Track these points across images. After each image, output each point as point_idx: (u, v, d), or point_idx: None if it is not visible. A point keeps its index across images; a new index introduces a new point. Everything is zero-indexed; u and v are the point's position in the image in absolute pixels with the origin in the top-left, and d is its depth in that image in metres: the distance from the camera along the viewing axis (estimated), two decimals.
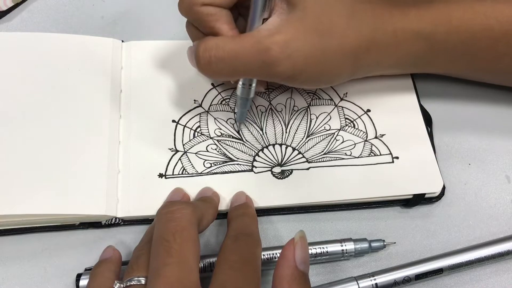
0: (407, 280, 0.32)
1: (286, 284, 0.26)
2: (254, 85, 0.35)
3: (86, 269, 0.32)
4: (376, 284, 0.31)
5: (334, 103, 0.40)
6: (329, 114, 0.39)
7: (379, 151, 0.37)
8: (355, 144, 0.38)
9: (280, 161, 0.37)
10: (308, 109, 0.39)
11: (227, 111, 0.39)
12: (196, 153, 0.36)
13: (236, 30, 0.32)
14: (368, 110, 0.39)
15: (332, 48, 0.31)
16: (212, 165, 0.36)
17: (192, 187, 0.35)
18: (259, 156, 0.37)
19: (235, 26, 0.32)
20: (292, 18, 0.31)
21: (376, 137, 0.38)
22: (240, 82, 0.34)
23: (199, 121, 0.38)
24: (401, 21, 0.33)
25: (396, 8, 0.33)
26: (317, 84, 0.35)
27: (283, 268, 0.26)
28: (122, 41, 0.41)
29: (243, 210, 0.33)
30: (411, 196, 0.35)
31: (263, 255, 0.32)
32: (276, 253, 0.32)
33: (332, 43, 0.31)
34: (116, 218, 0.34)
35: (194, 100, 0.39)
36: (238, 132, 0.38)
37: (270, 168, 0.36)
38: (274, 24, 0.31)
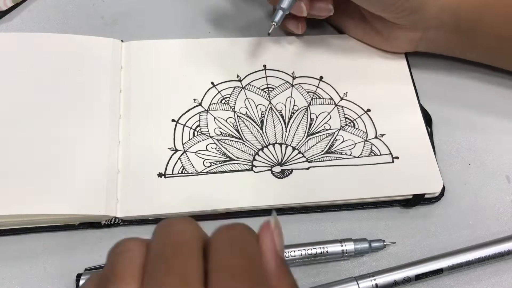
0: (407, 280, 0.32)
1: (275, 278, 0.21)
2: None
3: (86, 269, 0.32)
4: (376, 284, 0.31)
5: (334, 102, 0.40)
6: (329, 113, 0.39)
7: (379, 151, 0.37)
8: (355, 144, 0.38)
9: (280, 161, 0.37)
10: (308, 109, 0.39)
11: (227, 110, 0.39)
12: (195, 152, 0.36)
13: None
14: (368, 110, 0.39)
15: None
16: (212, 164, 0.36)
17: (192, 187, 0.35)
18: (259, 155, 0.37)
19: None
20: None
21: (376, 137, 0.38)
22: None
23: (199, 120, 0.38)
24: None
25: None
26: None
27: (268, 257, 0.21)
28: (122, 41, 0.41)
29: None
30: (411, 196, 0.35)
31: None
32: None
33: None
34: (115, 218, 0.34)
35: (194, 99, 0.39)
36: (268, 34, 0.37)
37: (270, 168, 0.36)
38: None
